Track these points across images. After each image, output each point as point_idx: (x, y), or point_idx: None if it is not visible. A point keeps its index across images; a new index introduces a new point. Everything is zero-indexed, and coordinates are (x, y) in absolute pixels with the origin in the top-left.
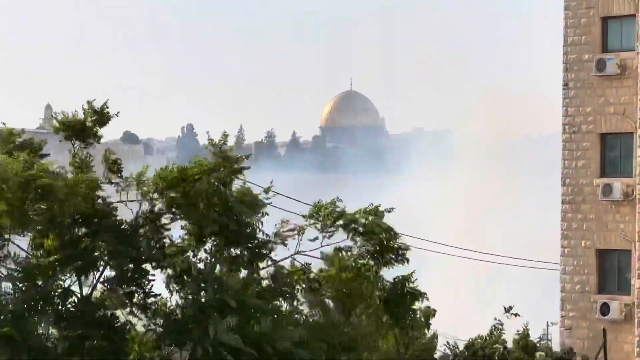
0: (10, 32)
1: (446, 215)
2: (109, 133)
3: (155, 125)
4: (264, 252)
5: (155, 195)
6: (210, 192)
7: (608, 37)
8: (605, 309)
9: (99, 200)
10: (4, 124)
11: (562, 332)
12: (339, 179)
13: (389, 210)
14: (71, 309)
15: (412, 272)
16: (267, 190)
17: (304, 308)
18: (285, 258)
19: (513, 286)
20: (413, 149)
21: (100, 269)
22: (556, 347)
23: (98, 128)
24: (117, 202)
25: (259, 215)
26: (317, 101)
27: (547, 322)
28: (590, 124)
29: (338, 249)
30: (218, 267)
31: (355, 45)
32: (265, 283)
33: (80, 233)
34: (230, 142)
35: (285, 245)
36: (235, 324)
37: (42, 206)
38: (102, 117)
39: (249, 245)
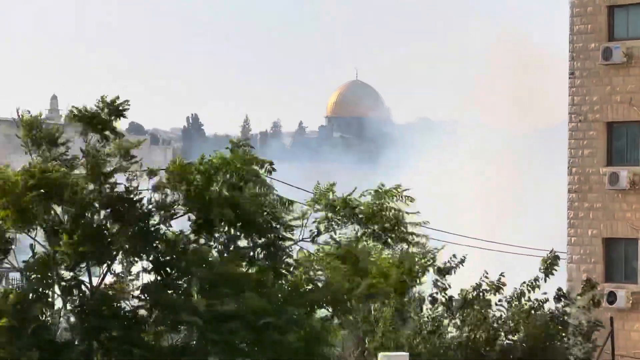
0: (15, 23)
1: (456, 206)
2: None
3: (160, 115)
4: (280, 246)
5: (167, 189)
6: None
7: (614, 25)
8: (612, 297)
9: (117, 189)
10: (28, 111)
11: None
12: (345, 168)
13: (397, 189)
14: (84, 299)
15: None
16: (268, 168)
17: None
18: (293, 243)
19: (521, 275)
20: (420, 139)
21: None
22: None
23: (114, 120)
24: (132, 191)
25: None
26: (323, 91)
27: None
28: (597, 113)
29: (356, 239)
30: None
31: (361, 35)
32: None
33: (100, 222)
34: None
35: (292, 232)
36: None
37: (51, 204)
38: (116, 109)
39: (263, 238)
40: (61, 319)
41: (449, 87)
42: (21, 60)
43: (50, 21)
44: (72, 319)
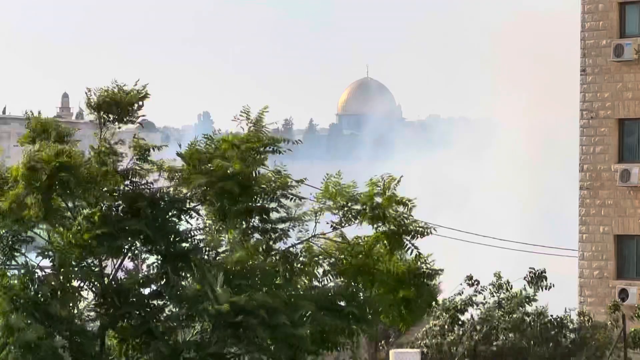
0: (25, 20)
1: (467, 203)
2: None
3: (171, 113)
4: (279, 230)
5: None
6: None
7: (626, 22)
8: (623, 294)
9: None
10: (31, 112)
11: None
12: (355, 165)
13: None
14: (105, 288)
15: (429, 255)
16: (300, 181)
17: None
18: (302, 241)
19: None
20: (430, 136)
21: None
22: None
23: (138, 105)
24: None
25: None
26: (334, 89)
27: (565, 308)
28: (608, 110)
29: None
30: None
31: (371, 33)
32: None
33: (119, 214)
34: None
35: (303, 224)
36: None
37: (68, 193)
38: (136, 94)
39: (267, 221)
40: (81, 307)
41: (459, 84)
42: (33, 59)
43: (62, 19)
44: (92, 307)
